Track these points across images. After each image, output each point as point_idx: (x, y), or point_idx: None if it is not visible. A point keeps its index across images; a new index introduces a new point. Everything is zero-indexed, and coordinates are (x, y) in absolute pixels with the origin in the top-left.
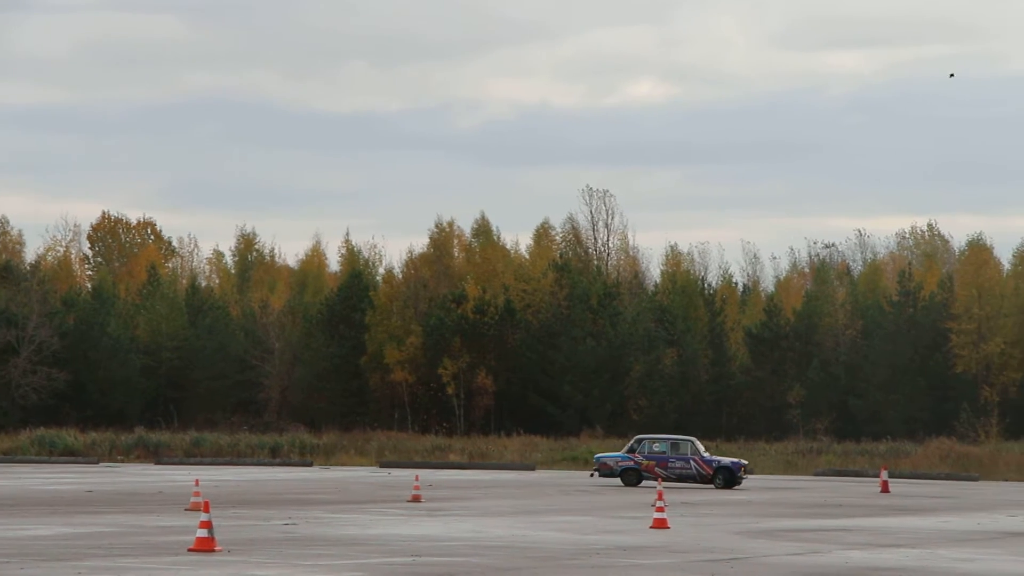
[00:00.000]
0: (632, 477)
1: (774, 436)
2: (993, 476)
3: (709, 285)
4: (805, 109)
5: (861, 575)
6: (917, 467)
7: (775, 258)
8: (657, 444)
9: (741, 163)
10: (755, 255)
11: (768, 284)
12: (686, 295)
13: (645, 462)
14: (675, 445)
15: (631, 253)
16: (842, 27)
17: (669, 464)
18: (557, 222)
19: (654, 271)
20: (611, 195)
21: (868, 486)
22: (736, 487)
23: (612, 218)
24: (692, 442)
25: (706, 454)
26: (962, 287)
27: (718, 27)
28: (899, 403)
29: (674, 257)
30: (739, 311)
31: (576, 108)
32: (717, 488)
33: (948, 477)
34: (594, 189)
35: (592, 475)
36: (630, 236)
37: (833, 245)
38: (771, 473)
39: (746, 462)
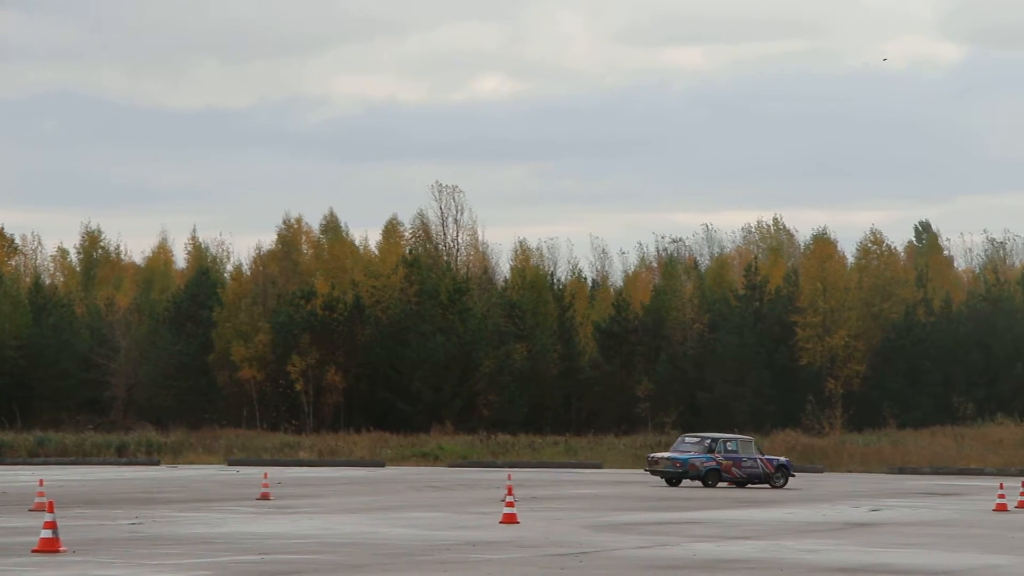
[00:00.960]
0: (713, 477)
1: (623, 430)
2: (838, 467)
3: (558, 280)
4: (650, 105)
5: (708, 567)
6: None
7: (623, 253)
8: (730, 443)
9: (588, 158)
10: (604, 250)
11: (617, 279)
12: (535, 290)
13: (724, 462)
14: (743, 444)
15: (480, 249)
16: (684, 24)
17: (743, 464)
18: (406, 218)
19: (504, 266)
20: (460, 191)
21: None
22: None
23: (461, 214)
24: (752, 441)
25: (767, 454)
26: (807, 281)
27: (563, 23)
28: (745, 396)
29: (523, 252)
30: (588, 306)
31: (423, 104)
32: (776, 488)
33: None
34: (443, 185)
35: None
36: (479, 232)
37: (681, 240)
38: (620, 467)
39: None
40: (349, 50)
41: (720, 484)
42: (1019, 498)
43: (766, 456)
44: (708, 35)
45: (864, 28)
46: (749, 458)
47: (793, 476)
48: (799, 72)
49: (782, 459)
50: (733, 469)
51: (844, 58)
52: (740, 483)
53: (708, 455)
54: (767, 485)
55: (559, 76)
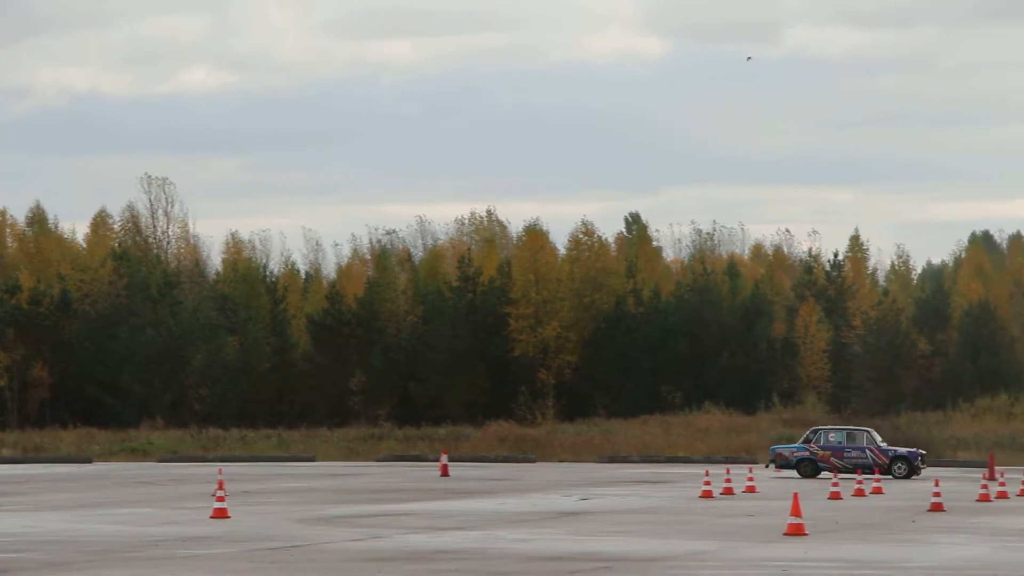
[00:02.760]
0: (808, 468)
1: (336, 422)
2: (549, 457)
3: (271, 273)
4: (360, 97)
5: (420, 558)
6: (476, 450)
7: (337, 245)
8: (833, 434)
9: (299, 150)
10: (317, 242)
11: (330, 271)
12: (248, 283)
13: (821, 452)
14: (851, 435)
15: (192, 241)
16: (393, 17)
17: (844, 454)
18: (116, 211)
19: (215, 259)
20: (171, 183)
21: (429, 470)
22: (915, 476)
23: (172, 206)
24: (869, 432)
25: (882, 444)
26: (520, 272)
27: (272, 15)
28: (459, 387)
29: (235, 245)
30: (301, 298)
31: (129, 95)
32: (896, 478)
33: (506, 459)
34: (153, 177)
35: (767, 466)
36: (191, 224)
37: (394, 231)
38: (333, 460)
39: (923, 452)
40: (51, 40)
41: (823, 474)
42: (724, 485)
43: (887, 447)
44: (416, 28)
45: (567, 22)
46: (854, 448)
47: (921, 467)
48: (506, 66)
49: (902, 450)
50: (832, 459)
51: (550, 52)
52: (844, 472)
53: (803, 446)
54: (887, 476)
55: (268, 68)
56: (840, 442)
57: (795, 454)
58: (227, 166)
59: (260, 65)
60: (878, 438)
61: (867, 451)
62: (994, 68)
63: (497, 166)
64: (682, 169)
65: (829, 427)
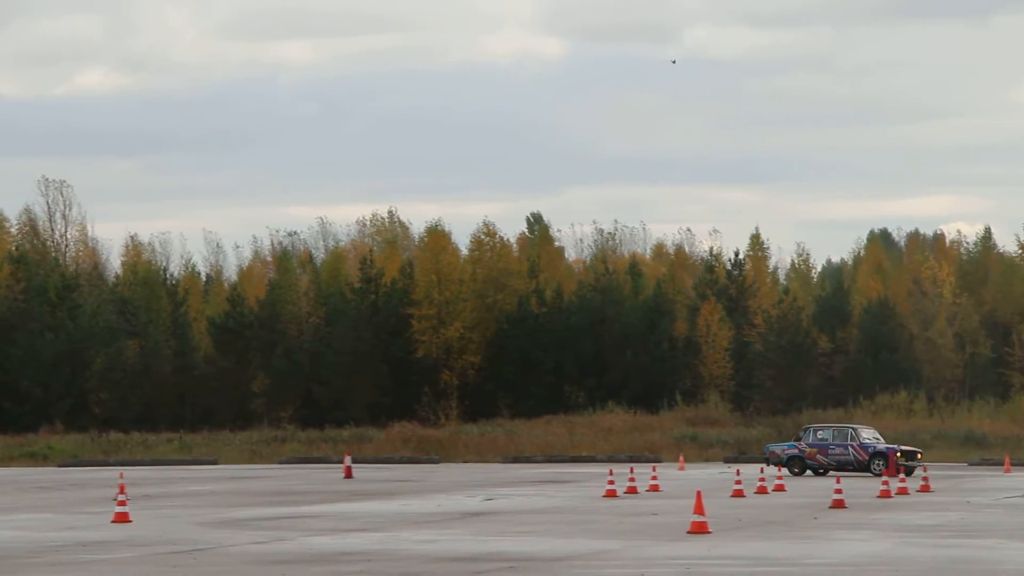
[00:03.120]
0: (796, 464)
1: (239, 425)
2: (453, 458)
3: (171, 275)
4: (258, 98)
5: (324, 560)
6: (380, 452)
7: (238, 247)
8: (822, 431)
9: (198, 152)
10: (218, 244)
11: (232, 273)
12: (148, 286)
13: (808, 450)
14: (838, 432)
15: (91, 244)
16: (290, 18)
17: (829, 451)
18: (13, 214)
19: (115, 262)
20: (68, 186)
21: (333, 472)
22: (910, 475)
23: (70, 209)
24: (854, 429)
25: (868, 440)
26: (422, 273)
27: (168, 17)
28: (362, 389)
29: (135, 248)
30: (202, 301)
31: (25, 97)
32: (875, 475)
33: (410, 461)
34: (50, 180)
35: (762, 468)
36: (89, 227)
37: (295, 233)
38: (236, 463)
39: (905, 448)
40: None
41: (809, 472)
42: (628, 484)
43: (866, 443)
44: (314, 29)
45: (464, 23)
46: (838, 445)
47: (916, 465)
48: (405, 67)
49: (883, 446)
50: (818, 456)
51: (448, 52)
52: (828, 470)
53: (793, 444)
54: (864, 473)
55: (165, 69)
56: (826, 439)
57: (785, 452)
58: (125, 168)
59: (157, 66)
60: (867, 435)
61: (849, 448)
62: (888, 68)
63: (398, 167)
64: (582, 169)
65: (819, 425)
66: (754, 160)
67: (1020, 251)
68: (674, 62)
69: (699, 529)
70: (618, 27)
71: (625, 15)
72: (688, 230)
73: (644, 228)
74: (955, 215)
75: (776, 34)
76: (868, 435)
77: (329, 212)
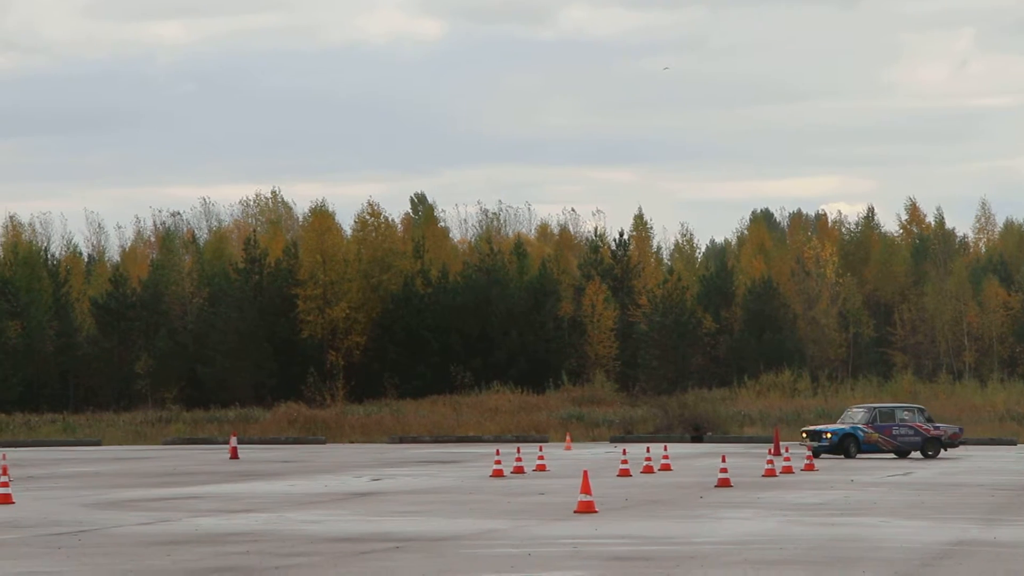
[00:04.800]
0: (852, 445)
1: (123, 406)
2: (339, 439)
3: (53, 256)
4: (135, 78)
5: (210, 541)
6: (266, 432)
7: (120, 228)
8: (863, 413)
9: (75, 133)
10: (100, 225)
11: (114, 254)
12: (29, 266)
13: (871, 433)
14: (905, 413)
15: None
16: None
17: (894, 432)
18: None
19: None
20: None
21: (218, 453)
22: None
23: None
24: (912, 409)
25: (921, 422)
26: (307, 253)
27: None
28: (247, 369)
29: (14, 228)
30: (85, 281)
31: None
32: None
33: (296, 441)
34: None
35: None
36: None
37: (179, 214)
38: (120, 444)
39: (952, 428)
40: None
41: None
42: (515, 464)
43: (921, 424)
44: (185, 9)
45: (340, 3)
46: (904, 426)
47: (949, 444)
48: (282, 46)
49: (846, 428)
50: (881, 438)
51: (325, 32)
52: (892, 452)
53: (846, 426)
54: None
55: (37, 49)
56: (890, 422)
57: (834, 434)
58: (3, 148)
59: (27, 45)
60: (917, 416)
61: (917, 429)
62: (761, 49)
63: (281, 147)
64: (465, 150)
65: (878, 405)
66: (635, 140)
67: (901, 231)
68: (666, 68)
69: (586, 508)
70: (494, 8)
71: None
72: (572, 210)
73: (529, 208)
74: (836, 195)
75: (650, 15)
76: (918, 417)
77: (212, 192)
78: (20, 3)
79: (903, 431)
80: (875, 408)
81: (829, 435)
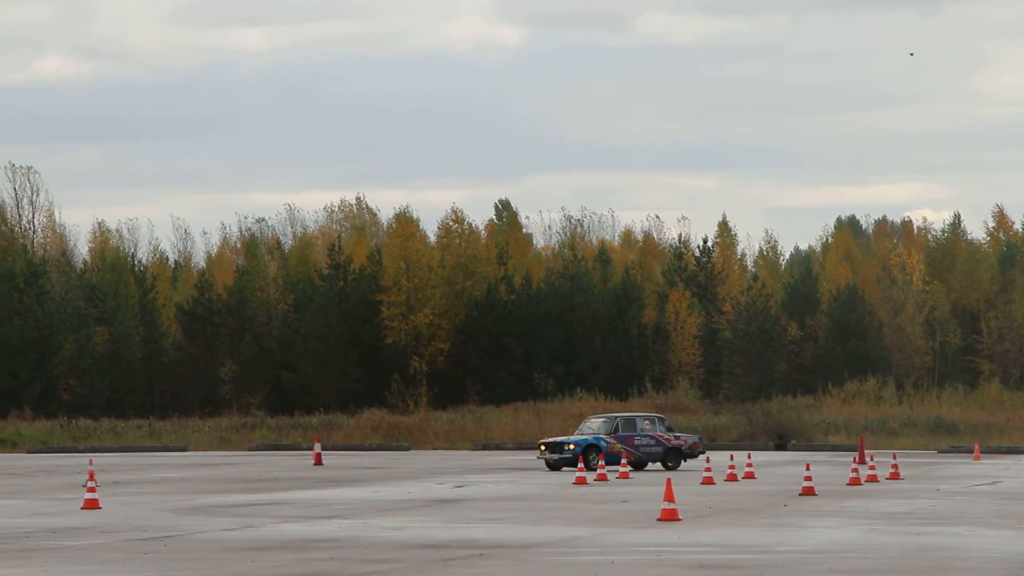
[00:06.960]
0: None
1: (208, 412)
2: (423, 445)
3: (140, 262)
4: (218, 85)
5: (294, 547)
6: (350, 438)
7: (206, 234)
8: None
9: (162, 139)
10: (186, 231)
11: (200, 260)
12: (116, 272)
13: None
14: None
15: (58, 231)
16: (244, 4)
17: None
18: None
19: (82, 248)
20: (35, 171)
21: (302, 459)
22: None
23: (37, 195)
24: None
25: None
26: (390, 260)
27: (121, 4)
28: (331, 375)
29: (102, 234)
30: (171, 287)
31: None
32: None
33: (380, 447)
34: (17, 166)
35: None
36: (56, 213)
37: (263, 220)
38: (205, 449)
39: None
40: None
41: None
42: (598, 471)
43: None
44: (269, 16)
45: (420, 10)
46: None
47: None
48: (363, 53)
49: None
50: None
51: (406, 39)
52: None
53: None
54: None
55: (122, 57)
56: (619, 430)
57: None
58: (90, 155)
59: (114, 53)
60: (658, 426)
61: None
62: (845, 55)
63: (364, 154)
64: (547, 157)
65: (605, 416)
66: (718, 147)
67: (987, 238)
68: (912, 55)
69: (669, 516)
70: (573, 15)
71: (580, 3)
72: (656, 217)
73: (612, 215)
74: (921, 202)
75: (730, 22)
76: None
77: (296, 199)
78: (105, 12)
79: (644, 441)
80: (616, 418)
81: (572, 446)
